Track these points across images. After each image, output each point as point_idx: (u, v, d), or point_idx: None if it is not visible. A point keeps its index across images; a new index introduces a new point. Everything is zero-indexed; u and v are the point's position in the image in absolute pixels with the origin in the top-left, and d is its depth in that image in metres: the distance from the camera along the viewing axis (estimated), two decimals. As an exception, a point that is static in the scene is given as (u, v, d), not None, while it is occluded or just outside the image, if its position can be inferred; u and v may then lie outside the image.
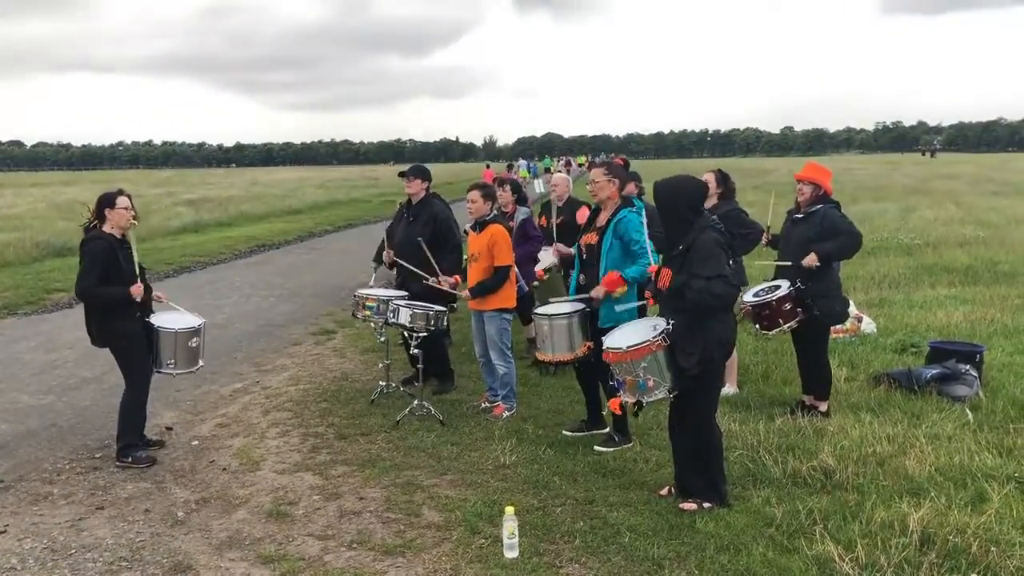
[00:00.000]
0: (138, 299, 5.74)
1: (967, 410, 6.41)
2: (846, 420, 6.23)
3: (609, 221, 5.80)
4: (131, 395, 5.89)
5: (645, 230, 5.71)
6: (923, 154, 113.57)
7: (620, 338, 4.90)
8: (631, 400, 4.80)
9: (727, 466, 5.16)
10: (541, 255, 8.07)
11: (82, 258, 5.77)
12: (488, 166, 52.77)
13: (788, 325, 6.27)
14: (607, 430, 6.17)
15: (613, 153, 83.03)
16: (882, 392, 6.95)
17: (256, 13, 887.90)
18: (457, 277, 7.14)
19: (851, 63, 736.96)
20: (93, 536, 4.77)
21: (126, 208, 5.82)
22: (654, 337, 4.69)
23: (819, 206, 6.39)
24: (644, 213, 5.86)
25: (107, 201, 5.81)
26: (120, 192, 5.88)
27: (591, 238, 5.92)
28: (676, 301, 4.77)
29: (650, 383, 4.70)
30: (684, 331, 4.69)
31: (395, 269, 7.72)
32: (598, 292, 5.71)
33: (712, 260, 4.65)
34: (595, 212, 6.05)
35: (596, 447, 5.95)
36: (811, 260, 6.21)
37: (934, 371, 6.98)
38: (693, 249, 4.71)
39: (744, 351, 8.00)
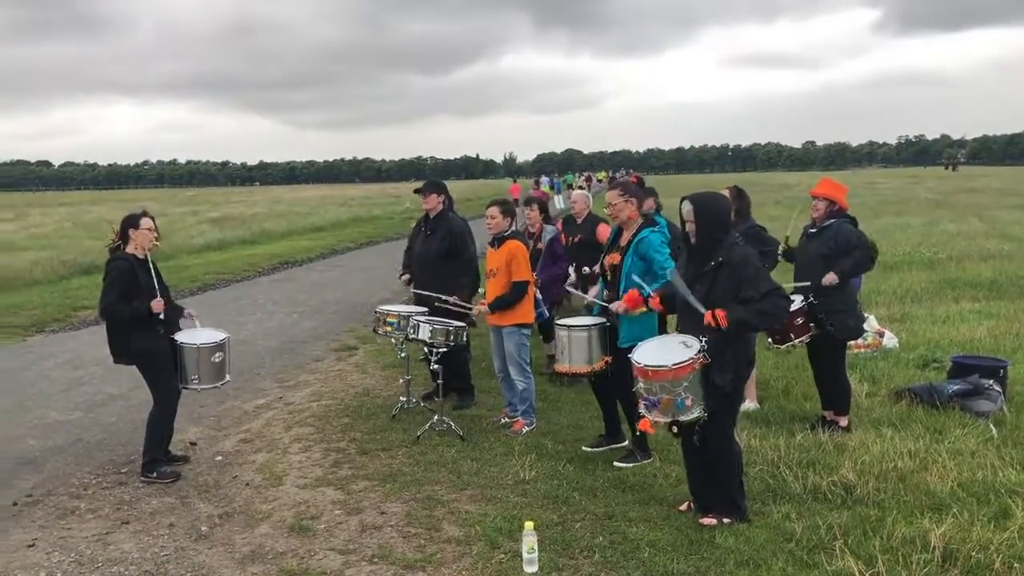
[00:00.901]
0: (159, 314, 5.84)
1: (991, 425, 6.37)
2: (867, 435, 6.20)
3: (631, 241, 5.82)
4: (158, 411, 5.98)
5: (667, 249, 5.74)
6: (945, 168, 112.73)
7: (656, 355, 4.78)
8: (664, 420, 4.73)
9: (747, 482, 5.15)
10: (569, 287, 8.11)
11: (105, 277, 5.90)
12: (515, 180, 53.06)
13: (800, 340, 6.28)
14: (626, 443, 6.19)
15: (631, 170, 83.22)
16: (904, 407, 6.91)
17: (278, 33, 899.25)
18: (478, 308, 7.09)
19: (873, 77, 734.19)
20: (119, 550, 4.84)
21: (149, 229, 5.97)
22: (696, 355, 4.64)
23: (832, 221, 6.41)
24: (667, 230, 5.92)
25: (131, 222, 5.95)
26: (144, 213, 6.03)
27: (614, 258, 5.95)
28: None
29: (688, 402, 4.64)
30: (719, 348, 4.68)
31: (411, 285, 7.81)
32: (618, 307, 5.70)
33: (760, 277, 4.68)
34: (617, 232, 6.08)
35: (616, 463, 5.96)
36: (830, 279, 6.23)
37: (957, 386, 6.94)
38: (729, 266, 4.71)
39: (765, 367, 7.98)
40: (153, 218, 6.06)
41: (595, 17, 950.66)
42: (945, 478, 5.28)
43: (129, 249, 5.95)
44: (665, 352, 4.77)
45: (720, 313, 4.62)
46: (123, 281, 5.80)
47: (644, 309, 5.56)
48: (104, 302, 5.84)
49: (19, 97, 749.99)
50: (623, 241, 5.94)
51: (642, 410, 4.82)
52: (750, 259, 4.76)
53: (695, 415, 4.68)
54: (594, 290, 6.46)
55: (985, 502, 4.96)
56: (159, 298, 5.86)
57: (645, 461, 5.96)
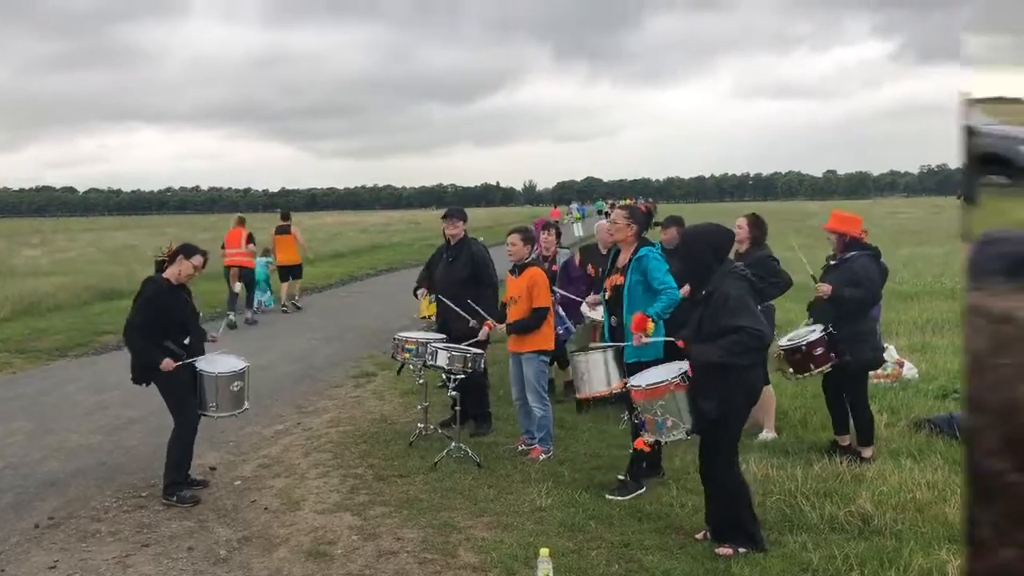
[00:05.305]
0: (167, 370, 5.92)
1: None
2: (885, 466, 6.17)
3: (630, 259, 5.96)
4: (177, 434, 6.06)
5: (664, 265, 5.89)
6: (957, 198, 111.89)
7: (643, 376, 5.03)
8: (652, 439, 4.91)
9: (764, 511, 5.14)
10: (585, 307, 8.17)
11: (138, 296, 6.02)
12: (555, 206, 55.17)
13: (820, 369, 6.27)
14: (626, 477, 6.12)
15: (650, 198, 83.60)
16: (923, 438, 6.87)
17: (302, 63, 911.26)
18: (489, 323, 7.18)
19: (893, 107, 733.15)
20: (139, 573, 4.89)
21: (196, 267, 6.14)
22: (672, 378, 4.77)
23: (854, 253, 6.42)
24: (662, 251, 6.09)
25: (187, 251, 6.14)
26: (203, 254, 6.21)
27: (617, 279, 6.05)
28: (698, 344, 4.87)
29: (668, 423, 4.77)
30: (703, 374, 4.76)
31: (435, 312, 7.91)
32: (638, 341, 5.72)
33: (741, 309, 4.70)
34: (615, 255, 6.22)
35: (607, 495, 5.91)
36: (824, 288, 6.30)
37: (977, 417, 6.87)
38: (717, 296, 4.79)
39: (783, 396, 7.95)
40: (207, 261, 6.21)
41: (613, 48, 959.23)
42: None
43: (168, 272, 6.07)
44: (654, 374, 4.98)
45: (638, 318, 5.29)
46: (152, 307, 5.95)
47: (652, 327, 5.64)
48: (130, 324, 5.98)
49: (47, 126, 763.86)
50: (621, 262, 6.08)
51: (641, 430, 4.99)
52: (737, 292, 4.79)
53: (676, 437, 4.83)
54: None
55: (1005, 534, 4.91)
56: (169, 361, 5.91)
57: (638, 492, 5.91)
